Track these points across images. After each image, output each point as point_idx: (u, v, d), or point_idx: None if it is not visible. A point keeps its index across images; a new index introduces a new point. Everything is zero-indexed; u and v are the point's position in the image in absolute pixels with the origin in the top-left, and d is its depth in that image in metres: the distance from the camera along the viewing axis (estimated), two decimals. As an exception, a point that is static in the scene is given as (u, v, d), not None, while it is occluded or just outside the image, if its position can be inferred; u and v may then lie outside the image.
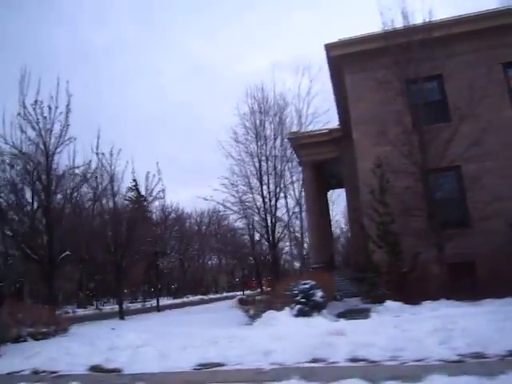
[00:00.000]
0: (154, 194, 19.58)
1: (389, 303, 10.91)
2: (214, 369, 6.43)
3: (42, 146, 14.94)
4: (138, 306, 30.92)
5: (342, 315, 11.27)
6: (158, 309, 23.89)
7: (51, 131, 14.91)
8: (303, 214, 21.54)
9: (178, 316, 17.10)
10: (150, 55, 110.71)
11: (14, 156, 14.64)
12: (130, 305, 33.68)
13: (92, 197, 19.24)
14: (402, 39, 13.17)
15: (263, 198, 19.92)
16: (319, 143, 22.41)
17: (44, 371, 7.42)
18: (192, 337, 8.69)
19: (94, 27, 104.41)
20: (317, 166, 23.36)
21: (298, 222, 21.28)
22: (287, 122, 20.67)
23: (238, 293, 47.94)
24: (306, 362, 6.25)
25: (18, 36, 79.11)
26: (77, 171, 16.29)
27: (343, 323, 8.55)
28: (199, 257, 56.63)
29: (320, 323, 9.06)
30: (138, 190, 27.18)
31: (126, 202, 25.71)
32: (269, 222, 19.67)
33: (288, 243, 23.71)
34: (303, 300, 10.56)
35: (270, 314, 9.79)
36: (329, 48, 15.38)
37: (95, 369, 7.24)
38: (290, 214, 20.30)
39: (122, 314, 18.16)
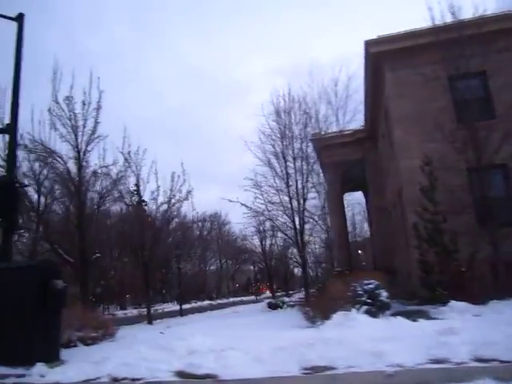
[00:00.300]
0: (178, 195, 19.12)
1: (454, 303, 10.49)
2: (327, 372, 5.93)
3: (73, 143, 14.36)
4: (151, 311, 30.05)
5: (400, 316, 10.83)
6: (181, 313, 23.33)
7: (84, 127, 14.36)
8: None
9: (213, 320, 16.48)
10: (144, 60, 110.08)
11: (47, 155, 13.99)
12: (135, 310, 32.83)
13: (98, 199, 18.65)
14: (451, 34, 12.90)
15: (290, 198, 19.45)
16: (342, 144, 22.09)
17: (124, 378, 6.79)
18: (269, 339, 8.16)
19: (88, 33, 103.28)
20: (338, 167, 23.03)
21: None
22: (320, 121, 20.23)
23: (244, 298, 47.42)
24: (428, 363, 5.77)
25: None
26: (105, 170, 15.65)
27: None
28: (200, 262, 55.93)
29: (401, 323, 8.62)
30: (139, 194, 26.65)
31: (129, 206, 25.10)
32: (297, 223, 19.19)
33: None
34: (369, 300, 10.13)
35: (343, 316, 9.30)
36: (369, 44, 15.07)
37: (183, 375, 6.67)
38: (319, 213, 19.87)
39: (150, 319, 17.59)
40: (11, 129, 10.22)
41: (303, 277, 21.74)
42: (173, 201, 19.16)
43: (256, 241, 40.40)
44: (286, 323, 11.87)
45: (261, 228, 39.15)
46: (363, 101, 19.72)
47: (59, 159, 14.38)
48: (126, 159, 16.96)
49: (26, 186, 13.09)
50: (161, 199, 19.14)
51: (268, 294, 55.14)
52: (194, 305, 37.17)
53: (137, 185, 22.31)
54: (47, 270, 8.02)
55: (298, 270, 48.60)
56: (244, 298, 46.24)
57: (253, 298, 47.24)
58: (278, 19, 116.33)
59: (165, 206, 19.28)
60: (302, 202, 19.44)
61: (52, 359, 7.73)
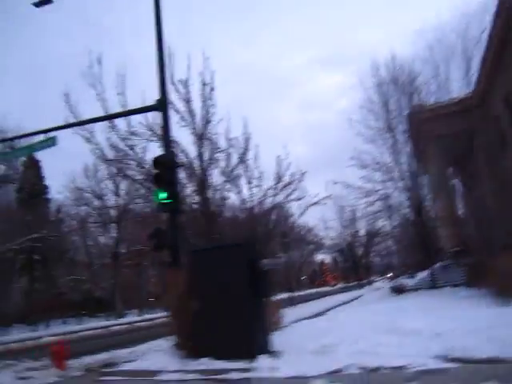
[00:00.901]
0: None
1: None
2: None
3: (192, 128, 13.51)
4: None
5: None
6: (292, 302, 22.62)
7: (205, 110, 13.43)
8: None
9: (356, 308, 15.47)
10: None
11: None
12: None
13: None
14: None
15: (402, 174, 18.09)
16: (446, 115, 20.39)
17: (378, 368, 5.71)
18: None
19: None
20: (442, 141, 21.41)
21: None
22: (430, 90, 18.74)
23: (324, 288, 46.13)
24: None
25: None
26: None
27: None
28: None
29: None
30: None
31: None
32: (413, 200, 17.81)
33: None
34: None
35: None
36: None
37: (453, 359, 5.57)
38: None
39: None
40: (163, 104, 9.48)
41: (415, 258, 20.34)
42: (280, 185, 18.02)
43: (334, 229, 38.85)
44: (462, 305, 10.64)
45: (342, 216, 37.89)
46: (479, 62, 17.88)
47: (176, 145, 13.52)
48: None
49: (183, 165, 12.36)
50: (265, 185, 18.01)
51: (340, 285, 53.67)
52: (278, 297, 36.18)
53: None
54: (253, 249, 7.14)
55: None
56: (320, 290, 44.86)
57: (330, 288, 45.90)
58: (315, 12, 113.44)
59: (271, 192, 18.16)
60: (416, 177, 18.05)
61: (268, 350, 6.82)
